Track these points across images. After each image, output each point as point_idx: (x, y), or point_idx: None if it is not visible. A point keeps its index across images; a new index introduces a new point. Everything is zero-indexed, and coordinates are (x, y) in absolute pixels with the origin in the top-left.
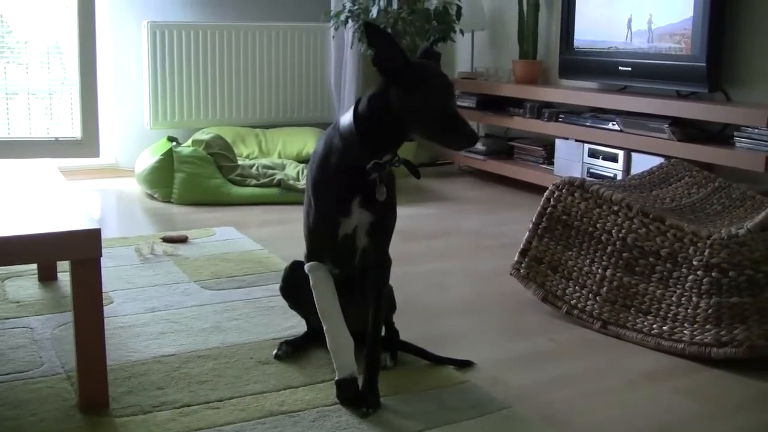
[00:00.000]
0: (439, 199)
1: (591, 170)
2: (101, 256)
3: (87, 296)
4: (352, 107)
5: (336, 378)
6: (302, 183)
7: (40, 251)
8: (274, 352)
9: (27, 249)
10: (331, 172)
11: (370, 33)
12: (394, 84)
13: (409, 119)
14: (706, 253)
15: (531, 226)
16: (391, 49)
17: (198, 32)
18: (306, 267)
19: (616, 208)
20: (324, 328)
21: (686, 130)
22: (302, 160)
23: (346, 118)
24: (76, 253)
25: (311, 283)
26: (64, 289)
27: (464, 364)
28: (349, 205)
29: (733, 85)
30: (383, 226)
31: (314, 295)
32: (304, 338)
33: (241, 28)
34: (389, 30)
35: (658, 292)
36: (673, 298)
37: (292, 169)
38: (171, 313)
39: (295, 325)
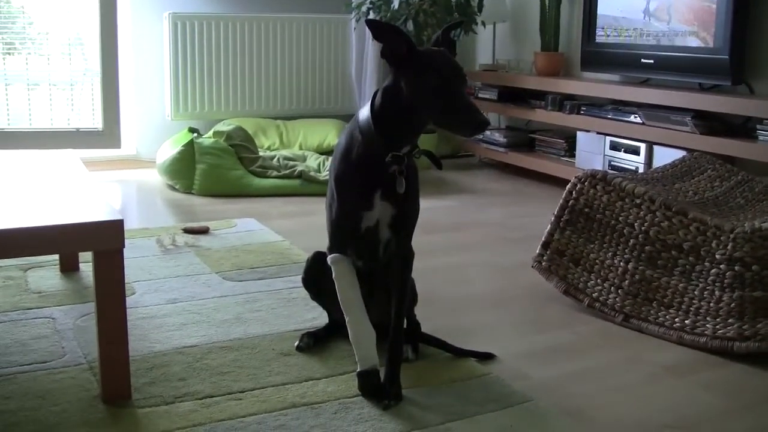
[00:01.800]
0: (460, 192)
1: (612, 163)
2: (124, 247)
3: (110, 287)
4: (370, 100)
5: (358, 370)
6: (323, 174)
7: (62, 242)
8: (296, 343)
9: (50, 240)
10: (353, 165)
11: (373, 27)
12: (403, 72)
13: (418, 106)
14: (729, 247)
15: (553, 218)
16: (395, 39)
17: (219, 23)
18: (329, 259)
19: (638, 201)
20: (346, 319)
21: (709, 123)
22: (323, 151)
23: (364, 112)
24: (98, 244)
25: (334, 275)
26: (87, 279)
27: (486, 357)
28: (371, 198)
29: (756, 77)
30: (405, 218)
31: (336, 287)
32: (325, 330)
33: (262, 20)
34: (410, 21)
35: (681, 285)
36: (696, 292)
37: (313, 161)
38: (193, 305)
39: (317, 316)
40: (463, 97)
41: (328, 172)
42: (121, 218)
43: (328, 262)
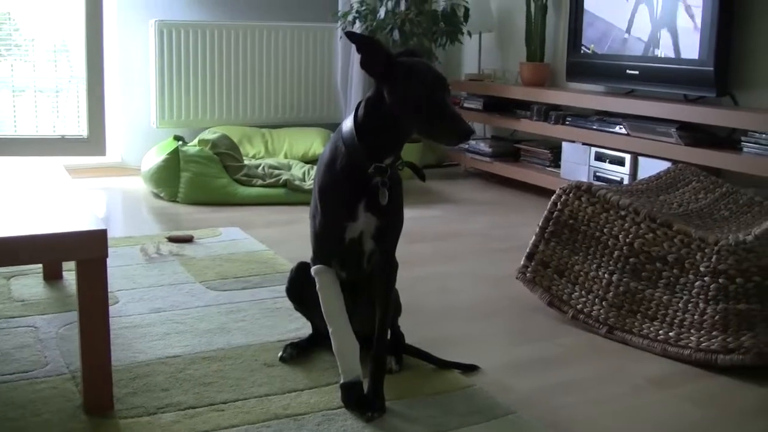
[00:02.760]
0: (445, 201)
1: (598, 173)
2: (107, 256)
3: (93, 297)
4: (354, 111)
5: (341, 381)
6: (308, 184)
7: (45, 251)
8: (279, 354)
9: (33, 249)
10: (337, 176)
11: (353, 39)
12: (385, 83)
13: (401, 116)
14: (713, 259)
15: (538, 230)
16: (374, 51)
17: (205, 31)
18: (312, 270)
19: (623, 212)
20: (329, 331)
21: (694, 134)
22: (308, 160)
23: (348, 123)
24: (82, 254)
25: (317, 286)
26: (70, 287)
27: (470, 369)
28: (355, 209)
29: (740, 89)
30: (389, 230)
31: (320, 298)
32: (309, 340)
33: (248, 28)
34: (396, 31)
35: (665, 297)
36: (680, 304)
37: (298, 170)
38: (176, 314)
39: (301, 326)
40: (446, 106)
41: (312, 183)
42: (104, 228)
43: (312, 273)
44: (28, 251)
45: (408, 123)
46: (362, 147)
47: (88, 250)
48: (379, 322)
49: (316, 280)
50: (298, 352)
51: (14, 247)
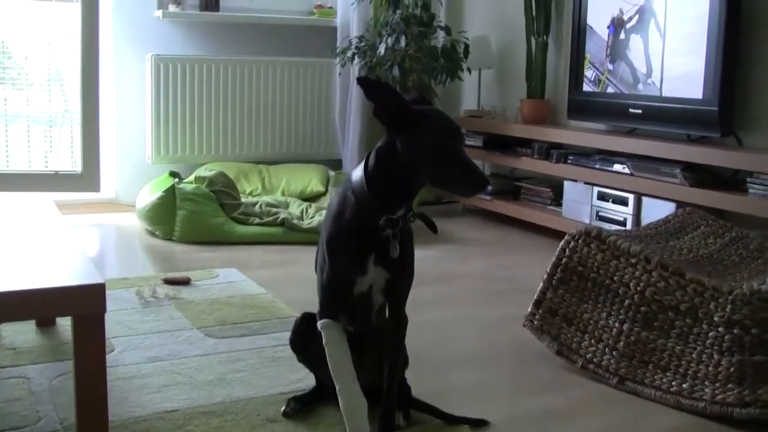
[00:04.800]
0: (444, 241)
1: (600, 213)
2: (105, 311)
3: (89, 352)
4: (363, 161)
5: None
6: (306, 222)
7: (39, 307)
8: (282, 408)
9: (26, 305)
10: (346, 227)
11: (366, 86)
12: (397, 132)
13: (414, 166)
14: (727, 309)
15: (545, 276)
16: (388, 98)
17: (202, 66)
18: (319, 324)
19: (634, 260)
20: (336, 388)
21: (698, 174)
22: (306, 198)
23: (357, 173)
24: (78, 309)
25: (324, 341)
26: (64, 334)
27: (478, 424)
28: (365, 262)
29: (745, 129)
30: (400, 284)
31: (327, 354)
32: (312, 394)
33: (245, 63)
34: (396, 67)
35: (678, 348)
36: (694, 355)
37: (296, 208)
38: (174, 363)
39: (303, 377)
40: (461, 156)
41: (311, 220)
42: (102, 282)
43: (318, 328)
44: (21, 307)
45: (421, 173)
46: (373, 198)
47: (85, 305)
48: (388, 378)
49: (323, 334)
50: (301, 407)
51: (5, 303)
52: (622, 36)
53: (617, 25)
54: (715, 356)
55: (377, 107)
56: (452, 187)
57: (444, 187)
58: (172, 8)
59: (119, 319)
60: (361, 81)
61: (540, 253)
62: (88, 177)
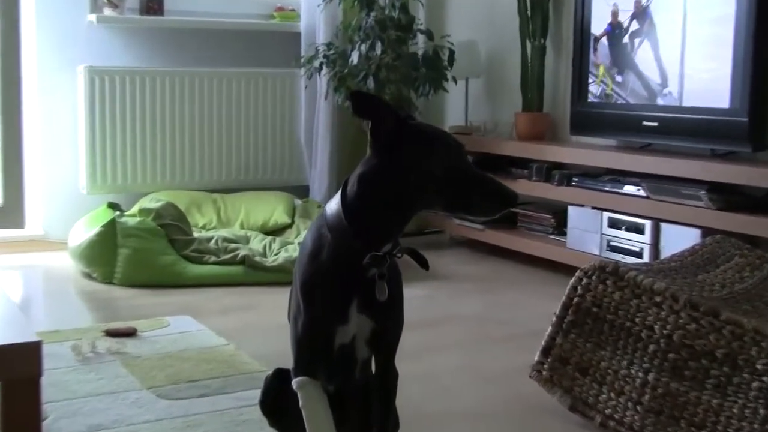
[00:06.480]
0: (430, 277)
1: (612, 243)
2: (42, 375)
3: (22, 422)
4: (339, 191)
5: None
6: (271, 260)
7: None
8: None
9: None
10: (322, 270)
11: (360, 100)
12: (392, 153)
13: (421, 192)
14: None
15: (554, 318)
16: (387, 115)
17: (144, 79)
18: (294, 383)
19: (658, 299)
20: None
21: (726, 196)
22: (269, 231)
23: (333, 205)
24: (7, 373)
25: (301, 402)
26: None
27: None
28: (346, 309)
29: None
30: (388, 333)
31: (305, 417)
32: None
33: (195, 75)
34: (371, 78)
35: (715, 401)
36: (734, 410)
37: (257, 243)
38: None
39: None
40: (477, 172)
41: (276, 257)
42: (38, 340)
43: (294, 388)
44: None
45: (427, 199)
46: (354, 234)
47: (16, 369)
48: None
49: (299, 395)
50: None
51: None
52: (632, 39)
53: (625, 27)
54: (761, 411)
55: (373, 127)
56: (476, 209)
57: (465, 211)
58: (107, 12)
59: (54, 380)
60: (354, 95)
61: (542, 290)
62: (10, 211)
